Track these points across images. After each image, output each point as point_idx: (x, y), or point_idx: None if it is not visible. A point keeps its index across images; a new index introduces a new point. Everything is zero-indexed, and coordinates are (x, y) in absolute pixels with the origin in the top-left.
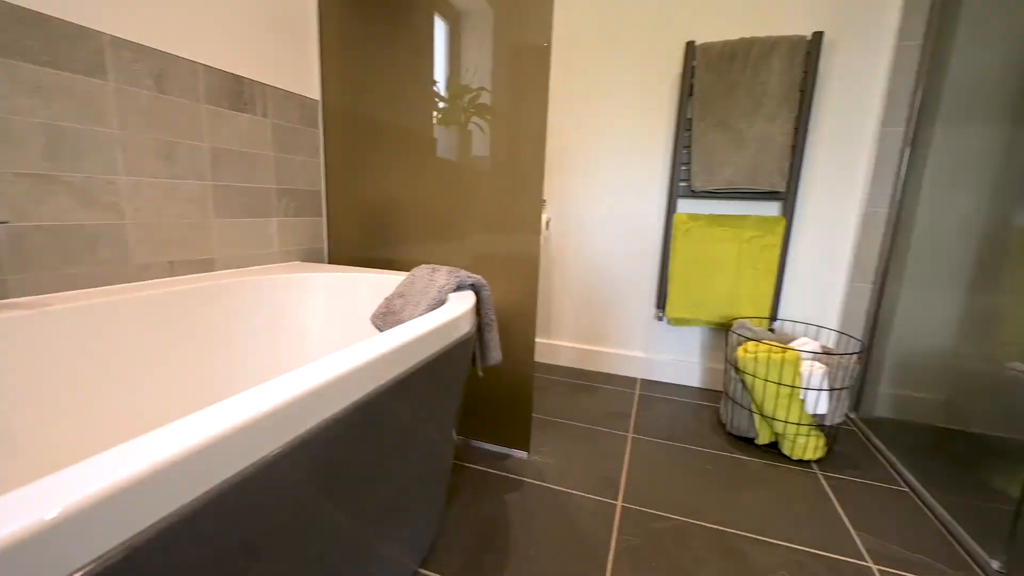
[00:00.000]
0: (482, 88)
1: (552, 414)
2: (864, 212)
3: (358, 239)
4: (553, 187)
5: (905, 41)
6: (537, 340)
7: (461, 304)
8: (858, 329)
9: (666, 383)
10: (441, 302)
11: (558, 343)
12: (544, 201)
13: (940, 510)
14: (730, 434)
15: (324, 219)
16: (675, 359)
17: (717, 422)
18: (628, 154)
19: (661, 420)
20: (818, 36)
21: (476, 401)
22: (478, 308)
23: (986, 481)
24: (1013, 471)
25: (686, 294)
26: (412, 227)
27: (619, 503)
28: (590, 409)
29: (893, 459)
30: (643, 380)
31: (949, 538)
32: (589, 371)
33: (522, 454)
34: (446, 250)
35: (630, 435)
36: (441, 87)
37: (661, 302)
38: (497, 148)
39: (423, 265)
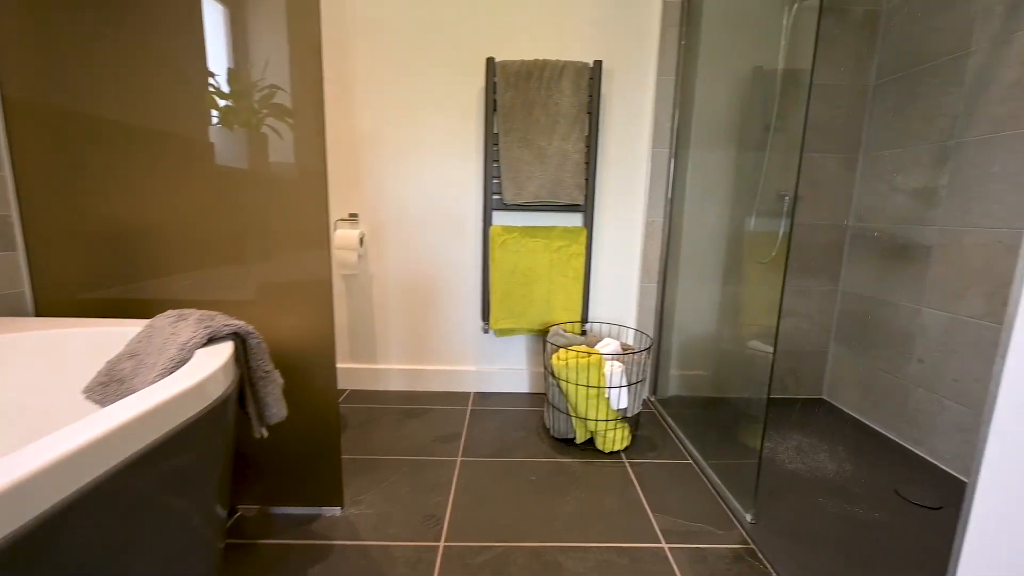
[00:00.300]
0: (275, 86)
1: (376, 451)
2: (646, 221)
3: (84, 277)
4: (368, 200)
5: (663, 75)
6: (363, 367)
7: (209, 363)
8: (651, 322)
9: (498, 393)
10: (183, 362)
11: (386, 367)
12: (356, 216)
13: (713, 476)
14: (553, 438)
15: (21, 253)
16: (504, 368)
17: (542, 427)
18: (443, 166)
19: (491, 435)
20: (598, 64)
21: (269, 461)
22: (246, 360)
23: (742, 440)
24: (756, 429)
25: (507, 305)
26: (172, 255)
27: (441, 544)
28: (419, 436)
29: (680, 434)
30: (476, 394)
31: (719, 500)
32: (421, 392)
33: (334, 511)
34: (221, 282)
35: (459, 459)
36: (222, 82)
37: (486, 314)
38: (284, 155)
39: (168, 312)
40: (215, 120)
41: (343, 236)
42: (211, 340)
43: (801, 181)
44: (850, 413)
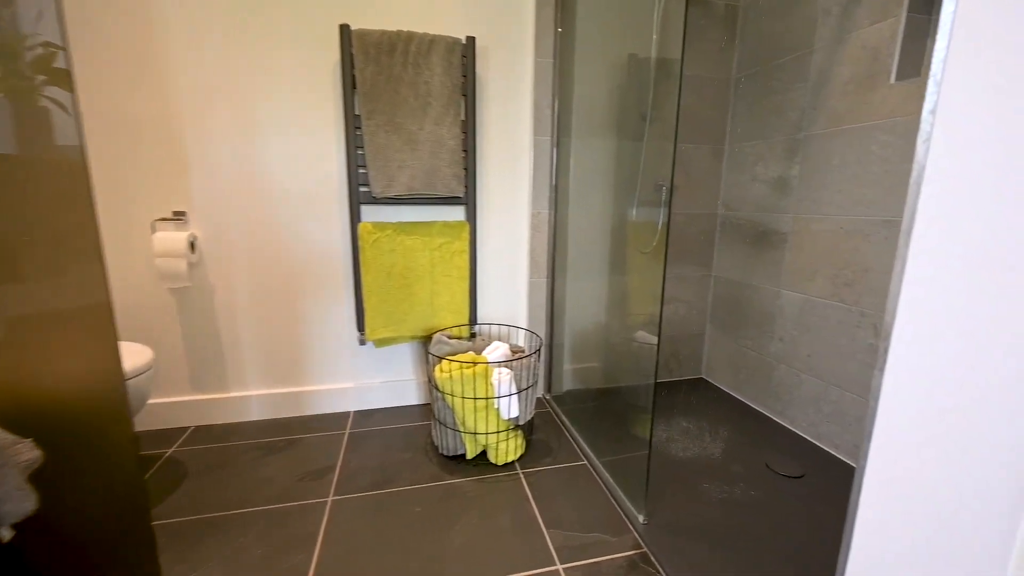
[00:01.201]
0: (52, 45)
1: (223, 505)
2: (532, 213)
3: None
4: (201, 194)
5: (540, 57)
6: (210, 397)
7: None
8: (542, 318)
9: (382, 409)
10: None
11: (242, 394)
12: (183, 215)
13: (606, 475)
14: (443, 456)
15: None
16: (388, 381)
17: (431, 444)
18: (297, 154)
19: (372, 462)
20: (471, 40)
21: (48, 556)
22: None
23: (632, 431)
24: (644, 419)
25: (385, 311)
26: None
27: None
28: (282, 477)
29: (575, 433)
30: (356, 413)
31: (613, 503)
32: (288, 420)
33: None
34: None
35: (330, 499)
36: None
37: (361, 323)
38: (34, 136)
39: None
40: None
41: (165, 240)
42: None
43: (676, 171)
44: (725, 391)
